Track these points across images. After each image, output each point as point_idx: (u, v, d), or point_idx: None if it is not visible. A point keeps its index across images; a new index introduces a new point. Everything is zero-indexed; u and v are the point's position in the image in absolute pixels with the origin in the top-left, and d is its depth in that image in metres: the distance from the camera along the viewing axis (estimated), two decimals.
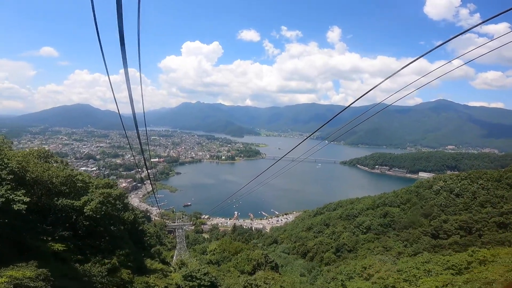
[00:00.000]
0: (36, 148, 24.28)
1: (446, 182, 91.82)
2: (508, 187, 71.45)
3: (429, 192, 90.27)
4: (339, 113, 6.24)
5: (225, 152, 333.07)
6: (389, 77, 5.38)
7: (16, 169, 13.81)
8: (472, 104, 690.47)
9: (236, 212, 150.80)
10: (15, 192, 11.93)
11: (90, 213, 18.10)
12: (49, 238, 14.99)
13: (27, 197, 12.03)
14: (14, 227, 11.97)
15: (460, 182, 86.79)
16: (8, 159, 13.96)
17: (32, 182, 15.69)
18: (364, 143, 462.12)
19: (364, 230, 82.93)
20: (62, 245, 13.98)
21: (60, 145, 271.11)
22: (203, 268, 27.45)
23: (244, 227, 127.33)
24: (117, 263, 17.74)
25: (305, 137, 8.67)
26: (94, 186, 21.99)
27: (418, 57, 4.82)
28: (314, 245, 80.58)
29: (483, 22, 4.55)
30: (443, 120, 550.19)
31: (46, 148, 27.71)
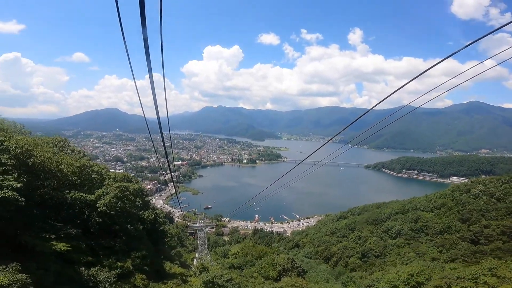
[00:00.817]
0: (53, 137, 23.12)
1: (486, 186, 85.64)
2: None
3: (466, 197, 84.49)
4: (362, 115, 6.02)
5: (246, 155, 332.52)
6: (414, 78, 5.06)
7: (13, 149, 12.04)
8: (507, 106, 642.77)
9: (257, 215, 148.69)
10: (5, 176, 10.15)
11: (104, 208, 16.38)
12: (53, 236, 13.28)
13: (19, 183, 10.13)
14: (2, 219, 10.21)
15: (501, 186, 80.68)
16: (4, 138, 12.27)
17: (39, 170, 14.06)
18: (390, 146, 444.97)
19: (393, 235, 78.25)
20: (67, 245, 12.18)
21: (91, 148, 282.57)
22: (226, 273, 25.23)
23: (265, 230, 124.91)
24: (131, 267, 15.85)
25: (327, 141, 8.25)
26: (112, 179, 20.27)
27: (445, 57, 4.56)
28: (338, 249, 76.71)
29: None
30: (476, 123, 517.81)
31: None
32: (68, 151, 21.96)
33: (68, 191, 15.97)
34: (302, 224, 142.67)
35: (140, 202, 24.95)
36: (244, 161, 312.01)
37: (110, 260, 15.35)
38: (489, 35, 4.16)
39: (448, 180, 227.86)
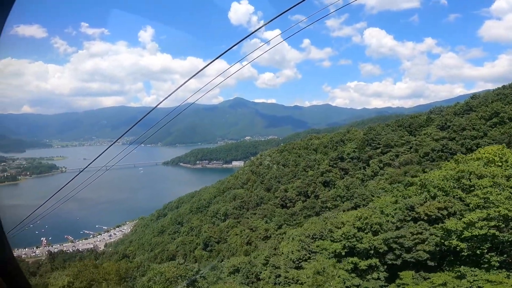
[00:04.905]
0: None
1: (271, 156, 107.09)
2: (315, 152, 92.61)
3: (262, 168, 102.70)
4: (148, 113, 6.04)
5: None
6: (192, 76, 5.37)
7: None
8: (257, 101, 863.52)
9: (43, 239, 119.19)
10: None
11: None
12: None
13: None
14: None
15: (280, 154, 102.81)
16: None
17: None
18: (181, 142, 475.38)
19: (223, 218, 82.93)
20: None
21: None
22: None
23: (67, 251, 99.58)
24: None
25: (113, 142, 7.79)
26: None
27: (215, 58, 5.00)
28: (177, 247, 73.48)
29: (257, 30, 5.34)
30: (240, 115, 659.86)
31: None
32: None
33: None
34: (115, 234, 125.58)
35: None
36: None
37: None
38: (246, 39, 4.64)
39: (231, 165, 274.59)
